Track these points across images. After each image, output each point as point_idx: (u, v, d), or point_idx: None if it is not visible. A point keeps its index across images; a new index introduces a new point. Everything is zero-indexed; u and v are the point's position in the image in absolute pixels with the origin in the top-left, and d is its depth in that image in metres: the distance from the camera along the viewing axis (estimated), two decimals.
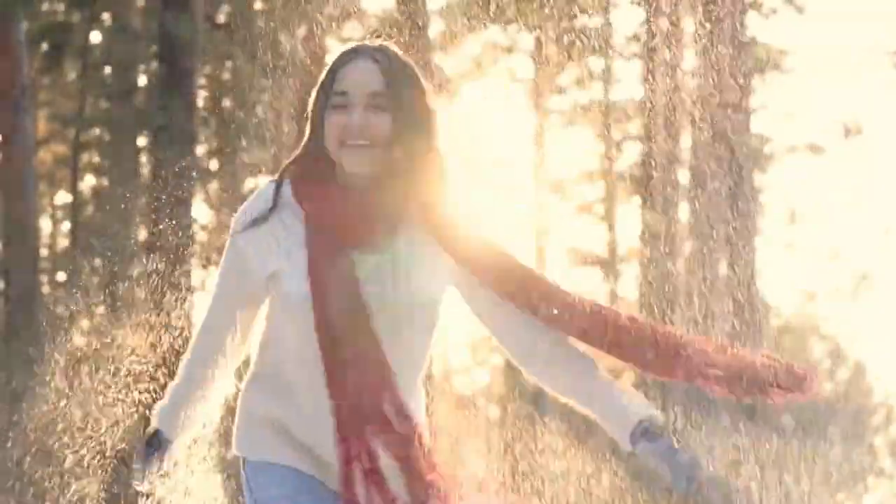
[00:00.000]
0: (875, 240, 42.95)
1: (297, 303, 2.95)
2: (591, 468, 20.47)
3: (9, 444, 13.83)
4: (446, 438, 19.57)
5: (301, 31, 22.55)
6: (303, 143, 3.01)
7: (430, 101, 2.96)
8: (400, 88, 2.91)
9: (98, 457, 12.49)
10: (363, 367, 2.88)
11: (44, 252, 21.83)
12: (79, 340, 20.94)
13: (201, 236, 18.09)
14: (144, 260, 16.71)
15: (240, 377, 3.15)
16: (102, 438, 14.96)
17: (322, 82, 2.98)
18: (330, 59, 3.00)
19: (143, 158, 18.70)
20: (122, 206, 17.91)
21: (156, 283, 15.39)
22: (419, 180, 2.92)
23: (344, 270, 2.90)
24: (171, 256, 15.35)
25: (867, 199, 40.42)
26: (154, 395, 14.93)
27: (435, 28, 23.48)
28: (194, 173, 15.91)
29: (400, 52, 2.99)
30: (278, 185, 3.02)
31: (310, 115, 2.99)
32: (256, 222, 3.00)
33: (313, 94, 2.99)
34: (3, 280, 15.00)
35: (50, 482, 13.74)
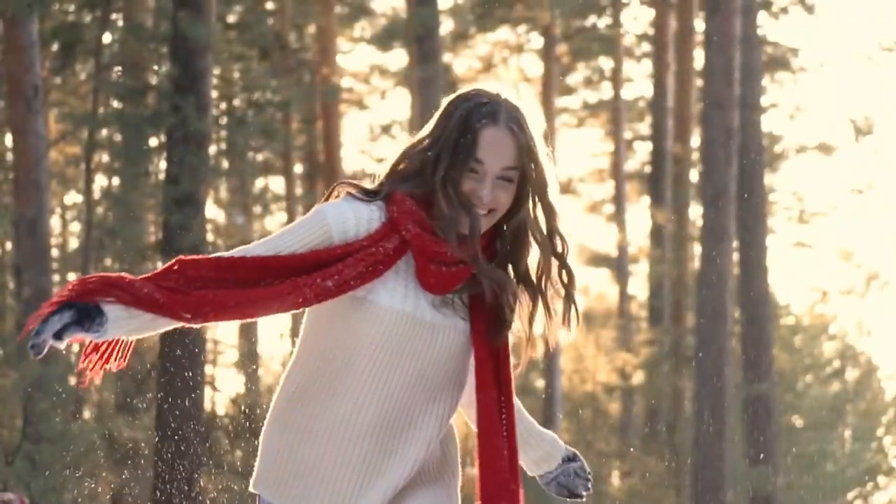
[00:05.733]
0: (886, 239, 42.88)
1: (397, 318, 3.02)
2: (601, 465, 20.50)
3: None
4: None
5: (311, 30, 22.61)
6: (419, 174, 3.01)
7: (550, 166, 3.06)
8: (528, 164, 3.01)
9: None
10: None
11: (55, 252, 21.90)
12: None
13: (213, 237, 18.14)
14: (156, 260, 16.77)
15: None
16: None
17: (462, 138, 2.98)
18: (459, 108, 2.99)
19: (156, 158, 18.76)
20: (134, 205, 17.97)
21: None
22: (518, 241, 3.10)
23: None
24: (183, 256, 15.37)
25: (878, 198, 40.40)
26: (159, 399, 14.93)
27: (445, 27, 23.53)
28: (206, 173, 15.96)
29: (528, 112, 3.03)
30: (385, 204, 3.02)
31: (440, 155, 2.99)
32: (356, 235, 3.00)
33: (445, 136, 2.99)
34: (15, 279, 15.03)
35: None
